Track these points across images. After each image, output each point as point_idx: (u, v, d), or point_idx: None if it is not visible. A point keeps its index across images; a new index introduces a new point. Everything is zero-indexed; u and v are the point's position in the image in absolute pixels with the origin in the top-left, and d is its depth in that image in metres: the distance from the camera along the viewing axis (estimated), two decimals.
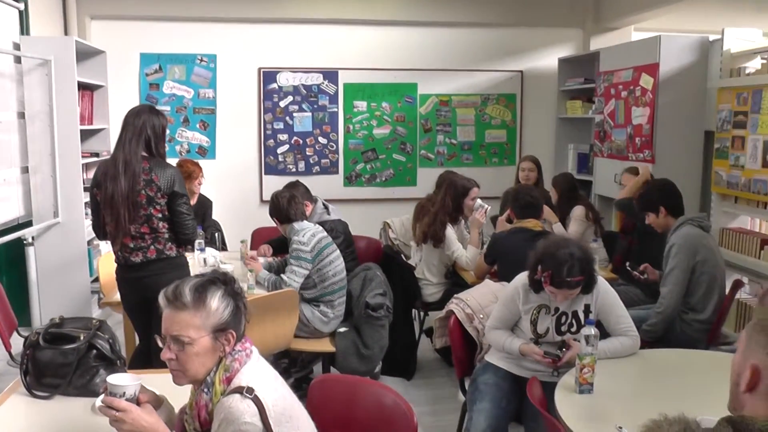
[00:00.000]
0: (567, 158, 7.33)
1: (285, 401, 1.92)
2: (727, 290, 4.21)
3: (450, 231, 4.84)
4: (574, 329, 3.11)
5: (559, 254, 2.95)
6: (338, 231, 4.74)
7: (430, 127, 7.35)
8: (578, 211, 5.18)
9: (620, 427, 2.27)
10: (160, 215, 3.54)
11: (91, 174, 5.47)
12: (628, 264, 4.38)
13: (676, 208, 4.17)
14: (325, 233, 4.37)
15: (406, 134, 7.30)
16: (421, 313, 5.34)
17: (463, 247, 4.84)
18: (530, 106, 7.57)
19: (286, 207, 4.29)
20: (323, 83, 7.08)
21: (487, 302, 3.54)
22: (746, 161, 4.92)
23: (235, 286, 2.01)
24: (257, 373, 1.94)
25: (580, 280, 2.97)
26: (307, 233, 4.24)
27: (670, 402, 2.43)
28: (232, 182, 7.03)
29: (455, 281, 4.95)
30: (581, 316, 3.12)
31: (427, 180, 6.27)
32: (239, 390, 1.84)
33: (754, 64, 5.20)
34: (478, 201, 4.97)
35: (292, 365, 4.62)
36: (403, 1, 7.06)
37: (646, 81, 5.67)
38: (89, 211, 3.90)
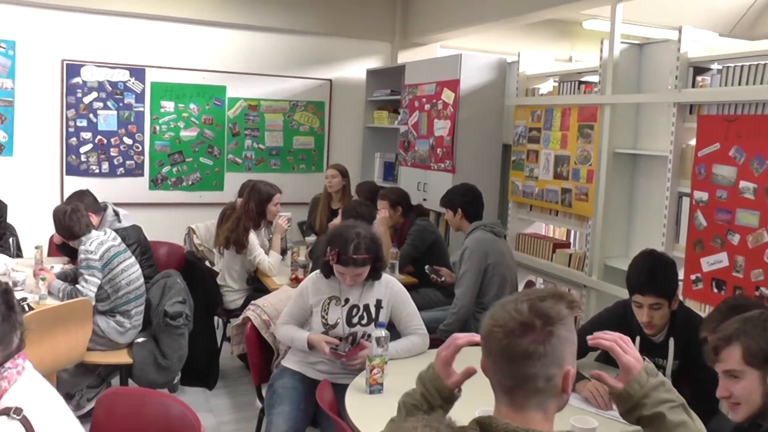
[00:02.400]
0: (374, 166, 7.52)
1: (58, 421, 1.82)
2: (520, 290, 4.53)
3: (253, 236, 4.83)
4: (365, 321, 3.23)
5: (347, 233, 3.16)
6: (131, 238, 4.55)
7: (238, 131, 7.25)
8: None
9: None
10: None
11: None
12: (426, 267, 4.59)
13: (473, 212, 4.47)
14: (117, 241, 4.19)
15: (213, 137, 7.14)
16: (223, 320, 5.28)
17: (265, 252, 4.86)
18: (338, 115, 7.68)
19: (67, 223, 4.09)
20: (129, 80, 6.76)
21: (283, 308, 3.56)
22: (540, 173, 5.35)
23: (8, 297, 1.87)
24: (28, 391, 1.83)
25: (366, 258, 3.13)
26: (95, 242, 4.05)
27: (460, 398, 2.56)
28: (31, 182, 6.42)
29: (257, 287, 4.94)
30: (372, 310, 3.25)
31: (234, 185, 6.15)
32: (6, 411, 1.72)
33: (546, 86, 5.68)
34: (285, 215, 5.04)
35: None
36: (214, 2, 6.90)
37: (447, 95, 5.94)
38: None
